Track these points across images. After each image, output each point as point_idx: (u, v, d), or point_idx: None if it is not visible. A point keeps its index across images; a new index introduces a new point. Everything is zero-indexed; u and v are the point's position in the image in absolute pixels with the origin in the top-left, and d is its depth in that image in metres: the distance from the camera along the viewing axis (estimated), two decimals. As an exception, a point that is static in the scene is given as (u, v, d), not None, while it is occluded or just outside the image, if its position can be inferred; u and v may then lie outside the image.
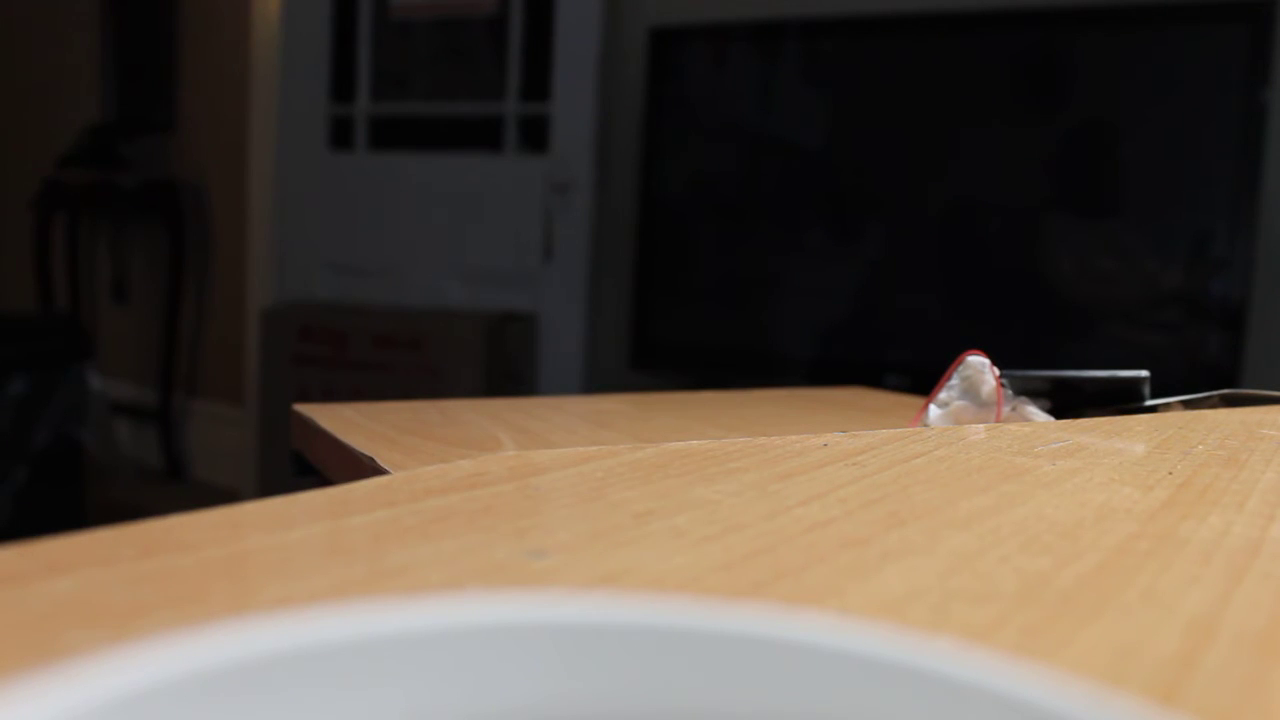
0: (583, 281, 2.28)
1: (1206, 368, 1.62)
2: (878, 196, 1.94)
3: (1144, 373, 0.53)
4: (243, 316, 2.67)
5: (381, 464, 0.38)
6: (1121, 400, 0.52)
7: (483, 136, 2.41)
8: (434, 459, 0.32)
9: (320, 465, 0.50)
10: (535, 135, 2.36)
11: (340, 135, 2.56)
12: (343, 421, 0.48)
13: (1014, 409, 0.49)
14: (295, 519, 0.20)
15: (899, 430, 0.36)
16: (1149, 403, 0.52)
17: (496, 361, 2.13)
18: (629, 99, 2.25)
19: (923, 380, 1.76)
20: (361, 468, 0.40)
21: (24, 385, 1.90)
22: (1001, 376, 0.48)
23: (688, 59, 2.06)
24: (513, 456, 0.27)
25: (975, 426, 0.40)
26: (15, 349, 1.90)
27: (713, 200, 2.04)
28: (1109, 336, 1.75)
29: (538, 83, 2.34)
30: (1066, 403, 0.51)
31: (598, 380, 2.30)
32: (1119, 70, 1.73)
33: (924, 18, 1.90)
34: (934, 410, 0.48)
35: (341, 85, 2.55)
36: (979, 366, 0.47)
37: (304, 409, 0.52)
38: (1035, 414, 0.49)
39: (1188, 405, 0.54)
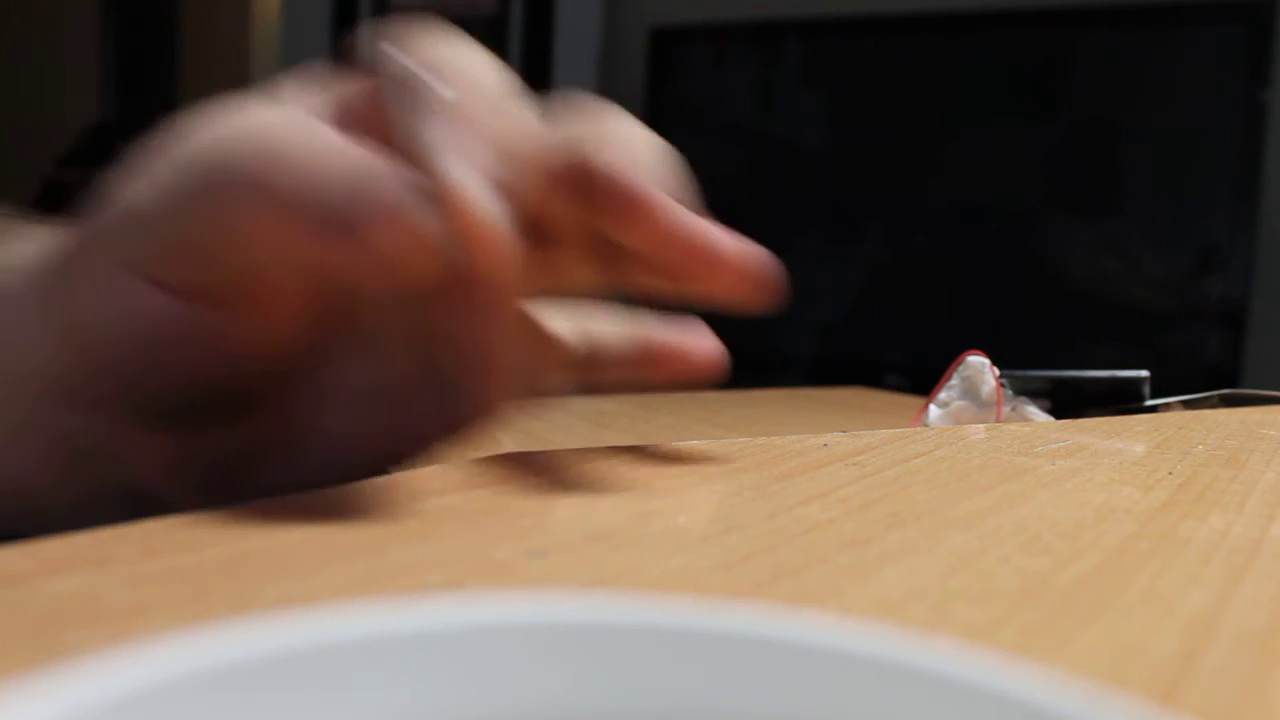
0: (583, 281, 2.28)
1: (1206, 368, 1.62)
2: (878, 196, 1.94)
3: (1144, 373, 0.53)
4: (243, 316, 2.67)
5: (381, 464, 0.38)
6: (1121, 400, 0.52)
7: (483, 136, 2.41)
8: (434, 459, 0.32)
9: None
10: (535, 135, 2.36)
11: (340, 135, 2.56)
12: (343, 421, 0.48)
13: (1014, 409, 0.49)
14: (295, 519, 0.20)
15: (899, 430, 0.36)
16: (1149, 403, 0.52)
17: (496, 361, 2.12)
18: (629, 99, 2.25)
19: (923, 380, 1.75)
20: (361, 468, 0.40)
21: (24, 385, 1.89)
22: (1001, 376, 0.48)
23: (688, 59, 2.06)
24: (512, 456, 0.27)
25: (975, 426, 0.40)
26: (15, 349, 1.90)
27: (713, 200, 2.03)
28: (1109, 336, 1.75)
29: (538, 82, 2.34)
30: (1066, 403, 0.51)
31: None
32: (1119, 70, 1.73)
33: (924, 18, 1.90)
34: (934, 410, 0.48)
35: (341, 85, 2.55)
36: (979, 366, 0.47)
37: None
38: (1035, 414, 0.49)
39: (1188, 405, 0.54)
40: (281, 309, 0.23)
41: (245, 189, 0.20)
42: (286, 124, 0.21)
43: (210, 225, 0.21)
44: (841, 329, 1.95)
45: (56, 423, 0.25)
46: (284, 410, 0.26)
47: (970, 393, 0.47)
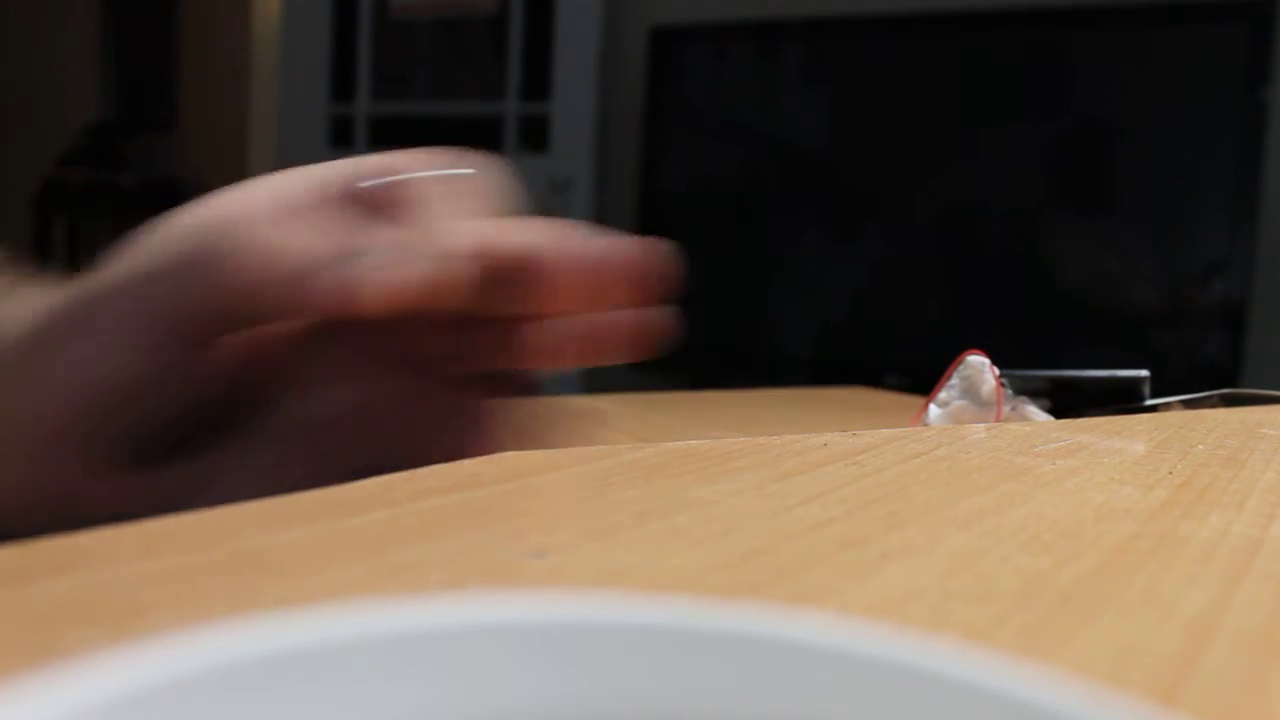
0: (583, 281, 2.28)
1: (1206, 368, 1.62)
2: (878, 196, 1.94)
3: (1144, 373, 0.53)
4: (243, 316, 2.66)
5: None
6: (1121, 400, 0.52)
7: (483, 136, 2.41)
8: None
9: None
10: (535, 134, 2.36)
11: (340, 134, 2.55)
12: (343, 421, 0.48)
13: (1014, 409, 0.49)
14: (295, 519, 0.20)
15: (899, 430, 0.36)
16: (1149, 402, 0.52)
17: (496, 361, 2.12)
18: (629, 99, 2.25)
19: (923, 380, 1.75)
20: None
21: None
22: (1001, 376, 0.48)
23: (688, 58, 2.06)
24: (513, 456, 0.27)
25: (975, 426, 0.40)
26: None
27: (713, 200, 2.04)
28: (1109, 336, 1.75)
29: (538, 82, 2.34)
30: (1066, 403, 0.51)
31: (598, 380, 2.30)
32: (1119, 70, 1.73)
33: (924, 18, 1.90)
34: (934, 410, 0.48)
35: (341, 84, 2.55)
36: (979, 366, 0.47)
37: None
38: (1035, 414, 0.49)
39: (1188, 405, 0.54)
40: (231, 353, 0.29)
41: (220, 260, 0.26)
42: (250, 212, 0.28)
43: (200, 284, 0.27)
44: (841, 329, 1.95)
45: (42, 470, 0.28)
46: (252, 438, 0.29)
47: (970, 392, 0.47)
